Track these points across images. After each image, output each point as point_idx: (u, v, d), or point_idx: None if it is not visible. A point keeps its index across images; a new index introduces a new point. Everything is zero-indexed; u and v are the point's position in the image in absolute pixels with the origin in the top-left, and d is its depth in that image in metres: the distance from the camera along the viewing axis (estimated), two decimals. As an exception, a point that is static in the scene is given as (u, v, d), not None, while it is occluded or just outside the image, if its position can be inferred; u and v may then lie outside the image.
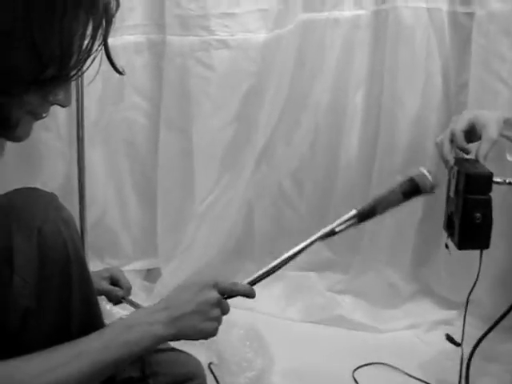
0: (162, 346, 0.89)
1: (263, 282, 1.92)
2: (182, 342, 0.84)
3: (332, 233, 0.96)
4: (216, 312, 0.83)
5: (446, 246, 1.15)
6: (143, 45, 1.66)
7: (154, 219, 1.76)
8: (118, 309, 1.51)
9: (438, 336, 1.61)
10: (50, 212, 0.78)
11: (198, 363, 1.09)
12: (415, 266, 1.77)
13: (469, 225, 1.07)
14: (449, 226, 1.15)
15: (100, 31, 0.70)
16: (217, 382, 1.34)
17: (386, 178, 1.69)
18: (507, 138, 1.20)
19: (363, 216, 0.97)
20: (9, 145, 0.80)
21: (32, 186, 0.82)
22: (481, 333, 1.08)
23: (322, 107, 1.75)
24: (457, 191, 1.10)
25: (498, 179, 1.10)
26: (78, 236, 0.80)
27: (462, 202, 1.08)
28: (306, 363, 1.47)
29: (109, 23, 0.70)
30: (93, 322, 0.82)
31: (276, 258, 0.94)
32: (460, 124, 1.16)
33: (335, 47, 1.69)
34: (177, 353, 1.03)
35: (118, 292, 1.11)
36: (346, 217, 0.96)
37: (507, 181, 1.11)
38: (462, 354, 1.13)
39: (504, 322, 1.11)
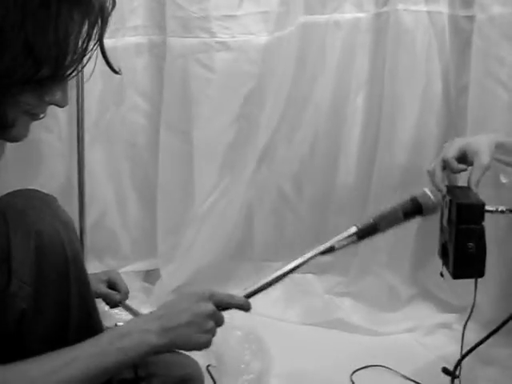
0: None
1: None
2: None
3: (331, 249, 0.95)
4: (210, 324, 0.83)
5: (441, 275, 1.15)
6: (144, 46, 1.67)
7: (154, 220, 1.76)
8: (116, 310, 1.51)
9: (437, 339, 1.61)
10: (49, 214, 0.77)
11: (196, 365, 1.09)
12: (414, 269, 1.77)
13: (462, 255, 1.08)
14: (443, 255, 1.15)
15: (95, 30, 0.69)
16: (215, 384, 1.34)
17: (386, 182, 1.69)
18: (500, 162, 1.20)
19: (363, 234, 0.97)
20: (9, 145, 0.80)
21: (32, 186, 0.82)
22: (479, 338, 1.08)
23: (323, 110, 1.75)
24: (449, 220, 1.10)
25: (490, 208, 1.10)
26: (76, 238, 0.80)
27: (454, 232, 1.08)
28: (304, 366, 1.47)
29: (104, 22, 0.70)
30: (91, 324, 0.82)
31: (274, 269, 0.94)
32: (451, 151, 1.16)
33: (336, 50, 1.69)
34: (175, 354, 1.02)
35: (116, 296, 1.12)
36: (345, 234, 0.96)
37: (499, 209, 1.11)
38: (460, 365, 1.13)
39: (506, 326, 1.11)
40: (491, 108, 1.55)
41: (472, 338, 1.16)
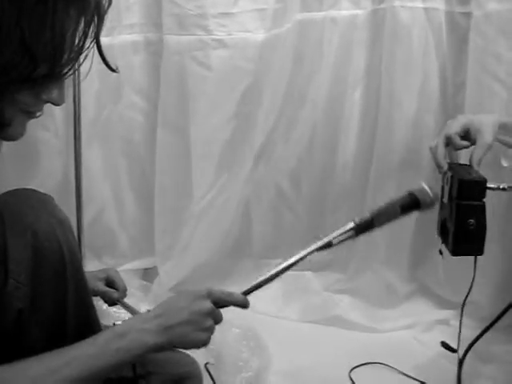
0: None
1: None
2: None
3: (329, 245, 0.95)
4: (208, 322, 0.83)
5: (440, 253, 1.15)
6: (141, 44, 1.66)
7: (151, 218, 1.76)
8: (114, 308, 1.51)
9: (435, 336, 1.61)
10: (45, 214, 0.77)
11: (194, 363, 1.09)
12: (412, 265, 1.77)
13: (462, 231, 1.07)
14: (442, 233, 1.15)
15: (92, 28, 0.69)
16: (213, 381, 1.33)
17: (383, 177, 1.69)
18: (502, 142, 1.20)
19: (361, 229, 0.96)
20: (6, 144, 0.80)
21: (29, 184, 0.82)
22: (477, 334, 1.08)
23: (320, 106, 1.75)
24: (450, 197, 1.09)
25: (492, 185, 1.09)
26: (73, 238, 0.79)
27: (455, 208, 1.07)
28: (302, 363, 1.47)
29: (100, 20, 0.70)
30: (88, 323, 0.82)
31: (272, 266, 0.94)
32: (454, 128, 1.15)
33: (333, 46, 1.69)
34: (173, 352, 1.02)
35: (114, 294, 1.11)
36: (343, 229, 0.96)
37: (501, 186, 1.10)
38: (459, 357, 1.13)
39: (499, 323, 1.11)
40: (488, 105, 1.55)
41: (469, 334, 1.17)
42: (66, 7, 0.66)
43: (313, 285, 1.79)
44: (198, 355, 1.27)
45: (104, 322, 1.31)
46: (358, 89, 1.71)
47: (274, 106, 1.71)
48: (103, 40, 0.74)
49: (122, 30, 1.62)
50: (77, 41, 0.69)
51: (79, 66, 0.71)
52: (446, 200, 1.12)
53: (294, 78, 1.71)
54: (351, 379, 1.42)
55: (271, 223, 1.85)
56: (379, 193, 1.70)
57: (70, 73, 0.71)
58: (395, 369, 1.46)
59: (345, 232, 0.95)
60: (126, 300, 1.16)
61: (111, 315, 1.46)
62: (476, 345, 1.10)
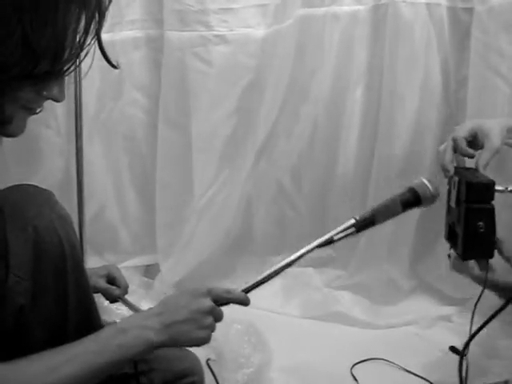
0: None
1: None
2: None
3: (330, 241, 0.95)
4: (209, 320, 0.83)
5: (449, 256, 1.14)
6: (142, 40, 1.66)
7: (153, 215, 1.76)
8: (116, 304, 1.52)
9: (437, 332, 1.61)
10: (46, 209, 0.77)
11: (195, 359, 1.09)
12: (414, 261, 1.77)
13: (472, 234, 1.05)
14: (450, 237, 1.14)
15: (93, 25, 0.69)
16: (215, 378, 1.34)
17: (385, 175, 1.69)
18: (511, 146, 1.19)
19: (362, 225, 0.96)
20: (8, 141, 0.80)
21: (31, 181, 0.82)
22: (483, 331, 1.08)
23: (322, 102, 1.74)
24: (458, 201, 1.08)
25: (500, 187, 1.08)
26: (74, 233, 0.79)
27: (464, 212, 1.05)
28: (304, 359, 1.47)
29: (102, 16, 0.70)
30: (89, 318, 0.82)
31: (274, 262, 0.94)
32: (462, 131, 1.14)
33: (334, 42, 1.69)
34: (175, 348, 1.02)
35: (115, 291, 1.11)
36: (344, 226, 0.95)
37: (509, 189, 1.10)
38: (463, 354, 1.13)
39: (504, 317, 1.11)
40: (491, 100, 1.55)
41: (474, 329, 1.16)
42: (67, 3, 0.67)
43: (314, 281, 1.79)
44: (200, 351, 1.27)
45: (105, 318, 1.32)
46: (360, 84, 1.71)
47: (275, 101, 1.71)
48: (104, 36, 0.74)
49: (123, 27, 1.62)
50: (78, 37, 0.69)
51: (80, 62, 0.71)
52: (453, 204, 1.11)
53: (296, 73, 1.71)
54: (353, 375, 1.42)
55: (273, 219, 1.85)
56: (381, 189, 1.69)
57: (72, 69, 0.71)
58: (397, 365, 1.46)
59: (346, 229, 0.95)
60: (127, 297, 1.16)
61: (112, 311, 1.46)
62: (481, 340, 1.10)
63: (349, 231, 0.95)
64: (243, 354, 1.39)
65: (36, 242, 0.74)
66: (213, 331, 0.84)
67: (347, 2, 1.66)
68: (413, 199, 1.01)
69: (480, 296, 1.06)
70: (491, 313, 1.10)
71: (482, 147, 1.13)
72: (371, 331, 1.63)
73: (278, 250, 1.86)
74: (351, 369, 1.44)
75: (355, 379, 1.41)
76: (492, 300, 1.42)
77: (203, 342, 0.83)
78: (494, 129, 1.13)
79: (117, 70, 0.80)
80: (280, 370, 1.42)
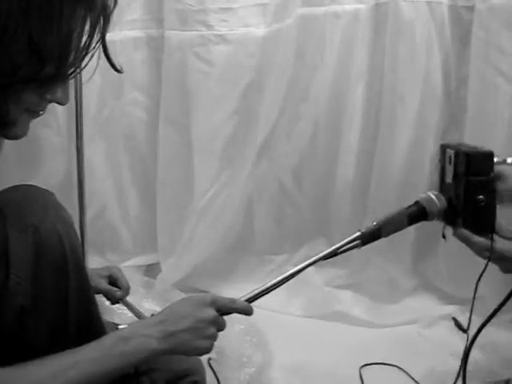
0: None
1: (263, 276, 1.93)
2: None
3: (334, 254, 0.95)
4: (212, 330, 0.83)
5: (443, 236, 1.13)
6: (142, 40, 1.66)
7: (154, 214, 1.76)
8: (118, 305, 1.51)
9: (439, 330, 1.61)
10: (47, 210, 0.77)
11: (197, 358, 1.09)
12: (415, 260, 1.77)
13: (473, 208, 1.03)
14: (445, 215, 1.12)
15: (98, 28, 0.69)
16: (216, 377, 1.34)
17: (386, 174, 1.69)
18: None
19: (367, 238, 0.97)
20: (8, 141, 0.80)
21: (32, 181, 0.82)
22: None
23: (323, 102, 1.74)
24: (456, 175, 1.06)
25: (498, 159, 1.07)
26: (74, 234, 0.79)
27: (463, 185, 1.03)
28: (305, 359, 1.46)
29: (106, 20, 0.70)
30: (90, 319, 0.82)
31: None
32: None
33: (335, 41, 1.69)
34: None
35: (117, 293, 1.12)
36: (349, 238, 0.96)
37: (508, 161, 1.08)
38: (468, 340, 1.12)
39: (503, 316, 1.11)
40: (492, 98, 1.55)
41: (476, 328, 1.16)
42: (72, 7, 0.67)
43: (315, 280, 1.79)
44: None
45: (107, 318, 1.32)
46: (361, 84, 1.71)
47: (276, 101, 1.71)
48: (104, 36, 0.74)
49: (123, 26, 1.62)
50: (83, 41, 0.69)
51: (85, 66, 0.72)
52: (449, 179, 1.08)
53: (296, 73, 1.71)
54: (360, 376, 1.41)
55: (273, 219, 1.85)
56: (382, 189, 1.69)
57: (76, 73, 0.71)
58: (396, 366, 1.44)
59: (351, 241, 0.95)
60: (129, 297, 1.17)
61: (114, 311, 1.46)
62: (480, 339, 1.09)
63: (354, 244, 0.96)
64: (245, 353, 1.39)
65: (37, 243, 0.74)
66: (215, 341, 0.84)
67: (348, 0, 1.66)
68: (419, 214, 1.01)
69: (484, 269, 1.05)
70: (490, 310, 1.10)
71: None
72: (372, 330, 1.62)
73: (279, 249, 1.86)
74: (360, 369, 1.42)
75: (361, 378, 1.41)
76: (492, 299, 1.42)
77: (205, 351, 0.84)
78: None
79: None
80: (281, 369, 1.42)
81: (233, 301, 0.87)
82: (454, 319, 1.56)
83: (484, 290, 1.16)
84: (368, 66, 1.70)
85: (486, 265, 1.06)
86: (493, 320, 1.07)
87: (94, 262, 1.66)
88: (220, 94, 1.62)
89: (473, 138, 1.61)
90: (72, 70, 0.70)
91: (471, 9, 1.57)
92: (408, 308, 1.70)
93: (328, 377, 1.41)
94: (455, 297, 1.68)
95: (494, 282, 1.54)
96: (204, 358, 1.30)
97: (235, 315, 0.88)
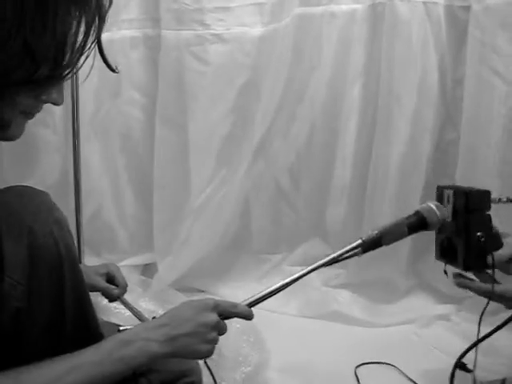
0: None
1: (259, 276, 1.92)
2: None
3: (335, 261, 0.97)
4: (213, 334, 0.83)
5: (445, 273, 1.14)
6: (139, 39, 1.66)
7: (150, 214, 1.75)
8: (114, 304, 1.51)
9: (435, 330, 1.61)
10: (42, 212, 0.76)
11: (195, 360, 1.09)
12: (412, 261, 1.77)
13: (473, 244, 1.07)
14: (444, 254, 1.14)
15: (93, 28, 0.69)
16: (213, 377, 1.33)
17: (382, 174, 1.69)
18: None
19: (368, 247, 0.98)
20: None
21: (28, 181, 0.81)
22: (478, 328, 1.08)
23: (319, 101, 1.74)
24: (455, 214, 1.09)
25: (493, 197, 1.10)
26: (70, 236, 0.78)
27: (463, 222, 1.07)
28: (302, 358, 1.47)
29: (102, 20, 0.69)
30: (86, 321, 0.81)
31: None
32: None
33: (332, 41, 1.69)
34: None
35: (114, 290, 1.11)
36: (350, 246, 0.97)
37: (503, 199, 1.11)
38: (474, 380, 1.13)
39: (498, 316, 1.11)
40: (487, 98, 1.55)
41: (470, 328, 1.16)
42: (67, 8, 0.66)
43: (312, 280, 1.79)
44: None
45: (104, 317, 1.31)
46: (357, 83, 1.71)
47: (272, 100, 1.71)
48: (101, 36, 0.74)
49: (120, 26, 1.62)
50: (78, 41, 0.68)
51: (80, 66, 0.71)
52: (448, 219, 1.10)
53: (293, 72, 1.71)
54: (356, 375, 1.42)
55: (270, 218, 1.85)
56: (378, 189, 1.69)
57: (72, 73, 0.70)
58: (394, 366, 1.44)
59: (352, 249, 0.96)
60: (125, 296, 1.16)
61: (110, 310, 1.46)
62: (475, 338, 1.10)
63: (355, 252, 0.97)
64: (241, 352, 1.39)
65: (32, 245, 0.73)
66: (216, 344, 0.85)
67: (345, 0, 1.66)
68: (419, 224, 1.02)
69: (485, 308, 1.07)
70: (488, 312, 1.10)
71: None
72: (370, 330, 1.63)
73: (276, 248, 1.86)
74: (355, 369, 1.42)
75: (357, 378, 1.41)
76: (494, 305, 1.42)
77: (206, 355, 0.84)
78: None
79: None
80: (278, 369, 1.42)
81: (234, 305, 0.88)
82: (461, 363, 1.54)
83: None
84: (364, 65, 1.70)
85: (487, 303, 1.08)
86: (488, 320, 1.08)
87: (90, 262, 1.66)
88: (216, 94, 1.62)
89: (468, 137, 1.62)
90: (67, 70, 0.69)
91: (467, 9, 1.57)
92: (405, 308, 1.70)
93: (324, 376, 1.41)
94: (452, 297, 1.68)
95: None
96: (201, 358, 1.31)
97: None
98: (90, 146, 1.69)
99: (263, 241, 1.85)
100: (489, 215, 1.09)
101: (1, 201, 0.74)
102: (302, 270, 0.99)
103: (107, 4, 0.70)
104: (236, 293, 1.66)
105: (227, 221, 1.77)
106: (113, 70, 0.76)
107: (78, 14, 0.67)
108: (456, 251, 1.10)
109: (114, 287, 1.13)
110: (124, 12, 1.62)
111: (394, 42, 1.61)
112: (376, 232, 1.00)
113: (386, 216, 1.71)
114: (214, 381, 1.32)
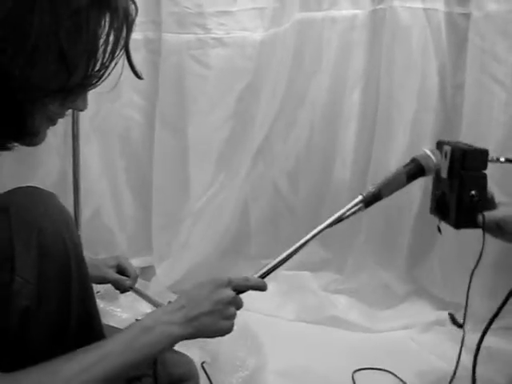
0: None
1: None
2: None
3: (339, 220, 0.97)
4: (232, 310, 0.84)
5: (439, 229, 1.15)
6: (140, 42, 1.66)
7: (149, 217, 1.75)
8: (112, 307, 1.52)
9: (432, 336, 1.61)
10: (51, 212, 0.77)
11: (191, 363, 1.09)
12: (410, 266, 1.77)
13: (466, 202, 1.07)
14: (439, 210, 1.15)
15: (121, 37, 0.71)
16: (210, 381, 1.33)
17: (381, 177, 1.68)
18: None
19: (369, 201, 0.99)
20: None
21: (28, 182, 0.82)
22: (478, 335, 1.08)
23: (319, 106, 1.74)
24: (451, 171, 1.09)
25: (491, 157, 1.11)
26: (77, 235, 0.80)
27: (458, 180, 1.08)
28: (299, 363, 1.47)
29: (129, 29, 0.72)
30: (90, 319, 0.82)
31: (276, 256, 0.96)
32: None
33: (332, 46, 1.69)
34: (171, 353, 1.02)
35: (126, 281, 1.12)
36: (352, 203, 0.98)
37: (501, 159, 1.11)
38: (464, 335, 1.13)
39: (498, 324, 1.11)
40: (487, 105, 1.55)
41: (469, 334, 1.16)
42: (97, 17, 0.68)
43: (310, 285, 1.79)
44: (195, 354, 1.27)
45: (104, 320, 1.32)
46: (357, 89, 1.71)
47: (272, 105, 1.71)
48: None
49: (120, 28, 1.62)
50: (108, 50, 0.70)
51: (109, 74, 0.73)
52: (444, 175, 1.11)
53: (293, 77, 1.71)
54: (353, 379, 1.42)
55: (269, 222, 1.85)
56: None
57: (101, 81, 0.73)
58: (390, 372, 1.44)
59: (354, 205, 0.97)
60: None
61: (108, 313, 1.46)
62: (473, 345, 1.10)
63: (357, 208, 0.98)
64: (238, 357, 1.39)
65: (41, 245, 0.74)
66: (234, 319, 0.85)
67: (345, 6, 1.67)
68: (417, 170, 1.04)
69: (477, 264, 1.08)
70: (482, 316, 1.11)
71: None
72: (367, 335, 1.63)
73: (274, 252, 1.85)
74: (353, 374, 1.42)
75: (354, 382, 1.41)
76: (480, 304, 1.43)
77: (227, 331, 0.84)
78: None
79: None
80: (275, 373, 1.42)
81: (247, 279, 0.89)
82: (451, 315, 1.57)
83: (475, 293, 1.17)
84: (364, 71, 1.70)
85: (478, 260, 1.09)
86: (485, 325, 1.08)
87: (88, 264, 1.66)
88: (217, 97, 1.63)
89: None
90: (97, 79, 0.72)
91: (467, 16, 1.57)
92: (402, 313, 1.70)
93: (321, 381, 1.41)
94: (449, 302, 1.68)
95: (485, 285, 1.55)
96: (198, 362, 1.31)
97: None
98: (90, 147, 1.69)
99: (262, 244, 1.85)
100: (484, 175, 1.09)
101: (10, 201, 0.76)
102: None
103: (134, 13, 0.73)
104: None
105: (226, 224, 1.77)
106: (139, 77, 0.78)
107: (107, 22, 0.69)
108: (448, 207, 1.11)
109: (125, 278, 1.14)
110: (125, 14, 1.62)
111: (394, 48, 1.61)
112: (374, 186, 1.01)
113: (384, 222, 1.72)
114: (211, 385, 1.33)
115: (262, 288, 0.91)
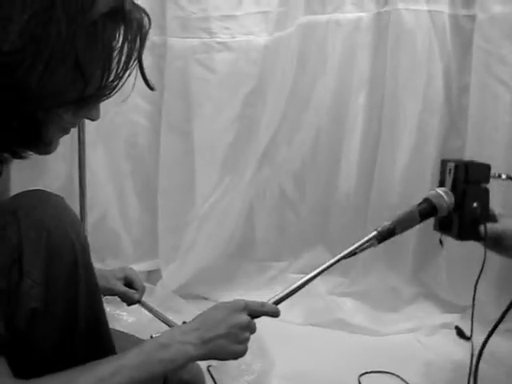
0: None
1: (263, 283, 1.92)
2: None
3: (353, 253, 0.99)
4: (246, 334, 0.85)
5: (440, 242, 1.17)
6: (145, 46, 1.66)
7: (155, 221, 1.76)
8: (118, 311, 1.52)
9: (439, 339, 1.61)
10: (59, 215, 0.78)
11: (198, 369, 1.09)
12: (416, 269, 1.77)
13: (468, 215, 1.10)
14: (442, 226, 1.16)
15: (135, 49, 0.72)
16: (216, 384, 1.33)
17: (386, 181, 1.69)
18: None
19: (383, 237, 1.01)
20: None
21: (33, 187, 0.83)
22: (483, 337, 1.07)
23: (324, 109, 1.75)
24: (454, 184, 1.12)
25: (493, 173, 1.14)
26: (85, 239, 0.81)
27: (461, 193, 1.10)
28: (305, 366, 1.46)
29: (143, 40, 0.72)
30: (98, 323, 0.82)
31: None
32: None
33: (337, 49, 1.69)
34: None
35: (134, 294, 1.12)
36: (366, 238, 1.00)
37: (503, 177, 1.13)
38: (473, 347, 1.14)
39: (501, 325, 1.10)
40: (492, 107, 1.55)
41: (476, 337, 1.16)
42: (112, 28, 0.70)
43: (316, 288, 1.79)
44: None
45: (111, 325, 1.32)
46: (362, 92, 1.71)
47: (277, 108, 1.71)
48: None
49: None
50: (122, 61, 0.71)
51: (122, 84, 0.74)
52: (448, 190, 1.13)
53: (298, 80, 1.71)
54: (360, 383, 1.41)
55: (275, 225, 1.85)
56: (383, 197, 1.69)
57: (114, 92, 0.74)
58: (398, 376, 1.44)
59: (368, 241, 1.00)
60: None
61: (113, 317, 1.46)
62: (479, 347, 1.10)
63: (370, 243, 1.00)
64: (244, 360, 1.38)
65: (49, 246, 0.75)
66: (247, 343, 0.86)
67: (350, 9, 1.67)
68: (430, 209, 1.06)
69: (480, 273, 1.09)
70: (490, 318, 1.11)
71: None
72: (373, 338, 1.62)
73: (280, 256, 1.86)
74: (359, 377, 1.42)
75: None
76: (490, 306, 1.42)
77: (240, 355, 0.85)
78: None
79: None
80: (281, 377, 1.42)
81: (262, 304, 0.91)
82: (457, 328, 1.57)
83: (482, 296, 1.17)
84: (369, 73, 1.70)
85: (481, 270, 1.11)
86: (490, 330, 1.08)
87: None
88: (222, 101, 1.63)
89: (473, 146, 1.62)
90: (111, 89, 0.73)
91: (472, 18, 1.57)
92: (409, 316, 1.70)
93: (328, 384, 1.41)
94: (456, 305, 1.68)
95: (491, 288, 1.55)
96: (204, 365, 1.31)
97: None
98: (95, 152, 1.70)
99: (267, 248, 1.85)
100: (487, 188, 1.12)
101: (19, 204, 0.76)
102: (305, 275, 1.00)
103: (147, 26, 0.73)
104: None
105: (231, 228, 1.78)
106: (151, 89, 0.79)
107: (121, 34, 0.71)
108: (452, 221, 1.13)
109: (133, 291, 1.14)
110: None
111: (399, 50, 1.61)
112: (390, 222, 1.03)
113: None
114: (218, 389, 1.33)
115: (275, 315, 0.93)
